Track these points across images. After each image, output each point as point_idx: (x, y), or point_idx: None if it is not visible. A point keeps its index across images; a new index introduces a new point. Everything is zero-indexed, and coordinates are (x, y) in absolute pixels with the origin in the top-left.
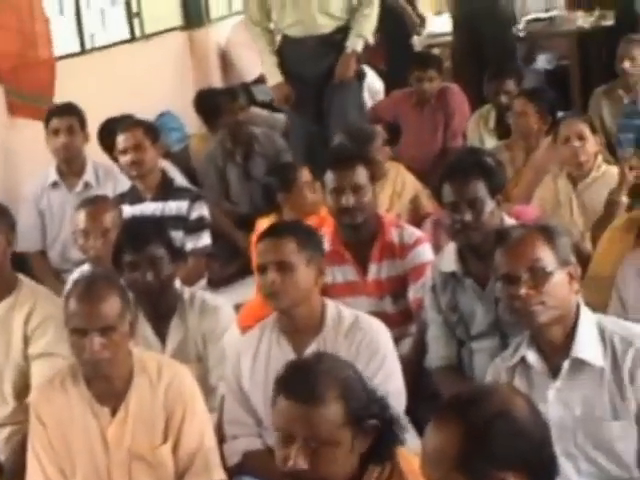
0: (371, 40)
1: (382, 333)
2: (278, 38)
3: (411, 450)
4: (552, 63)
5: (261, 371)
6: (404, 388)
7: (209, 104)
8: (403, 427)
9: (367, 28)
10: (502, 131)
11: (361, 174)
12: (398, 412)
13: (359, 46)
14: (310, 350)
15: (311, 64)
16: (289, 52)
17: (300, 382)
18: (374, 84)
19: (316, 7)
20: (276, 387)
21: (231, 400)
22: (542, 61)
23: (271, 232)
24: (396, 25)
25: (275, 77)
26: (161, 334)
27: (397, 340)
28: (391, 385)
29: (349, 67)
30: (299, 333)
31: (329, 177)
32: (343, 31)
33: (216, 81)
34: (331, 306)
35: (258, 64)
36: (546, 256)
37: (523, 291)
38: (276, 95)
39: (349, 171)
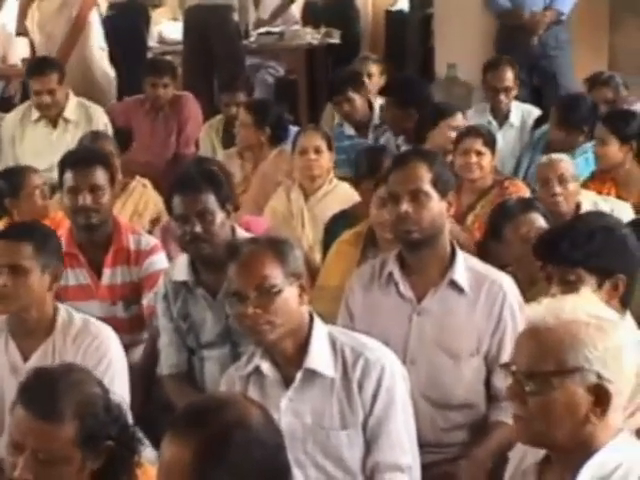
0: None
1: (111, 338)
2: None
3: (148, 461)
4: (281, 76)
5: None
6: (128, 395)
7: None
8: (141, 442)
9: None
10: (229, 141)
11: (100, 175)
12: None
13: None
14: (37, 354)
15: None
16: None
17: (39, 395)
18: None
19: None
20: (18, 394)
21: None
22: (271, 74)
23: (8, 233)
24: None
25: None
26: None
27: (129, 347)
28: (115, 390)
29: None
30: (28, 337)
31: (67, 176)
32: None
33: None
34: (62, 310)
35: None
36: (275, 273)
37: (250, 310)
38: None
39: (87, 171)
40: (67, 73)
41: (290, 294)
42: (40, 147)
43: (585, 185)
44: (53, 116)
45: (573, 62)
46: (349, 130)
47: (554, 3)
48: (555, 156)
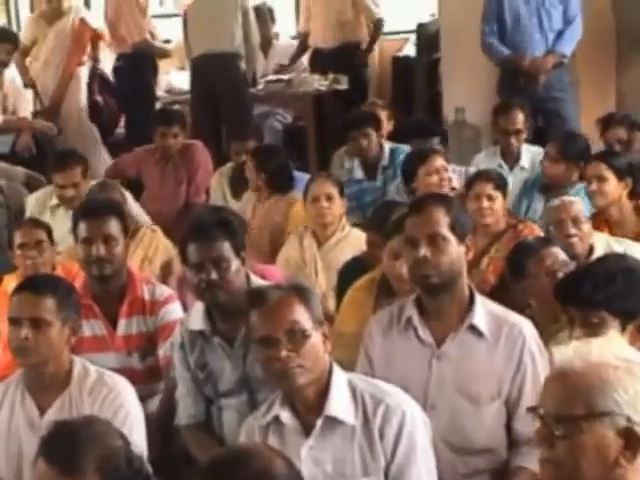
0: None
1: (127, 390)
2: None
3: None
4: (289, 123)
5: (2, 429)
6: (146, 445)
7: None
8: None
9: None
10: (240, 189)
11: (113, 225)
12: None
13: None
14: (54, 408)
15: None
16: None
17: (60, 449)
18: None
19: None
20: (39, 448)
21: None
22: (280, 121)
23: (32, 286)
24: (139, 81)
25: None
26: None
27: (145, 398)
28: (133, 441)
29: None
30: (44, 391)
31: (81, 227)
32: None
33: None
34: (78, 363)
35: None
36: (303, 318)
37: (284, 353)
38: None
39: (100, 221)
40: (62, 123)
41: (316, 340)
42: (62, 233)
43: None
44: (76, 207)
45: (580, 104)
46: (358, 173)
47: (556, 46)
48: (567, 198)
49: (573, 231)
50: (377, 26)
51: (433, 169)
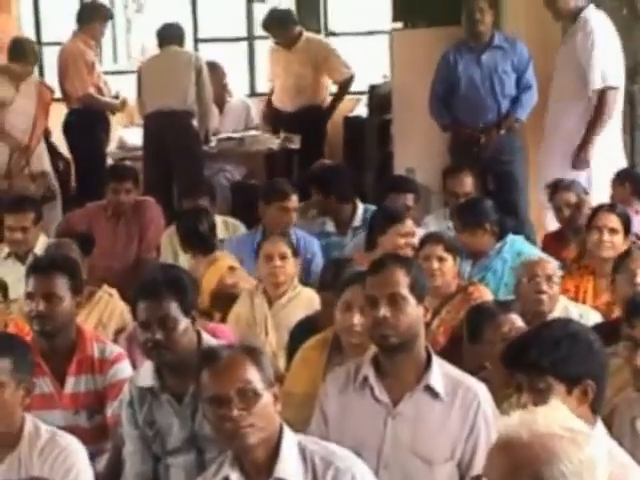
0: None
1: (79, 451)
2: None
3: None
4: (239, 180)
5: None
6: None
7: None
8: None
9: None
10: None
11: (57, 282)
12: None
13: None
14: (3, 468)
15: None
16: None
17: None
18: None
19: None
20: None
21: None
22: (227, 178)
23: None
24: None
25: None
26: None
27: (93, 456)
28: None
29: None
30: None
31: (28, 282)
32: None
33: None
34: (29, 421)
35: None
36: (255, 378)
37: (235, 413)
38: None
39: (44, 277)
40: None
41: (268, 400)
42: (10, 282)
43: (566, 277)
44: (23, 253)
45: (529, 167)
46: (330, 227)
47: (512, 110)
48: (544, 257)
49: (545, 288)
50: (346, 84)
51: (403, 232)
